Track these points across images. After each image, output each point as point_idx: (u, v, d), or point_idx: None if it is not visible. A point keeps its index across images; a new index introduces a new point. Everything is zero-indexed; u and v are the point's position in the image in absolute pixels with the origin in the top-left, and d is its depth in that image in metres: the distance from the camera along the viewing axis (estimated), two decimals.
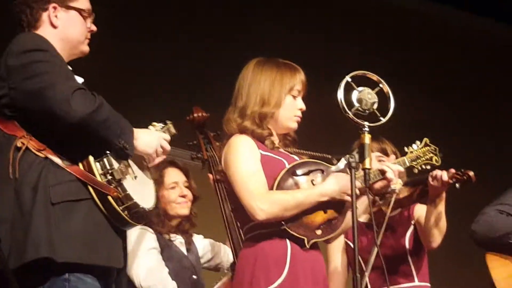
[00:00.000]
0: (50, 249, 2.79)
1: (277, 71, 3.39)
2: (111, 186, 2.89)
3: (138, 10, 6.08)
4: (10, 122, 2.93)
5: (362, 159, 3.12)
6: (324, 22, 6.84)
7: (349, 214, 3.28)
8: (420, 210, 4.12)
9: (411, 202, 4.08)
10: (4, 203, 2.87)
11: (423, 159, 3.89)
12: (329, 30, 6.83)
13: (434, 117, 6.98)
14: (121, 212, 2.91)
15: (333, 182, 3.26)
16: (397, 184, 3.67)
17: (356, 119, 3.14)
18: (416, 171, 3.86)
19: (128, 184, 2.94)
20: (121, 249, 3.00)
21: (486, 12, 7.44)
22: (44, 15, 3.07)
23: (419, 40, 7.21)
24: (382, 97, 3.19)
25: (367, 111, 3.15)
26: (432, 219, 3.97)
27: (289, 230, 3.22)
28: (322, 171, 3.32)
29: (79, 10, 3.13)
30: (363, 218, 4.12)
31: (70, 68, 3.03)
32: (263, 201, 3.19)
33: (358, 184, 3.18)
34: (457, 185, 3.91)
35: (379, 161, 4.05)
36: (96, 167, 2.90)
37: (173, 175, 4.36)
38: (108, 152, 2.91)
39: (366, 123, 3.14)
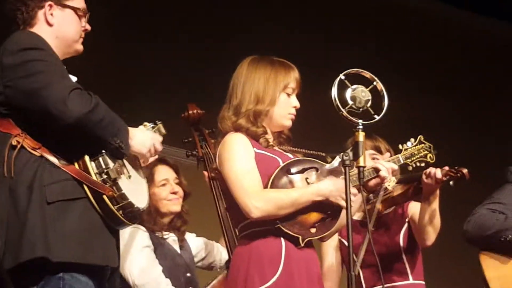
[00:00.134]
0: (46, 249, 2.79)
1: (271, 69, 3.38)
2: (106, 185, 2.90)
3: (138, 10, 6.08)
4: (5, 120, 2.93)
5: (356, 157, 3.13)
6: (324, 22, 6.83)
7: (343, 213, 3.27)
8: (414, 208, 4.10)
9: (405, 199, 4.07)
10: None
11: (418, 156, 3.86)
12: (329, 30, 6.82)
13: (434, 116, 6.97)
14: (115, 211, 2.91)
15: (330, 183, 3.26)
16: (390, 182, 3.67)
17: (350, 117, 3.14)
18: (410, 168, 3.86)
19: (123, 183, 2.95)
20: (115, 248, 3.01)
21: (487, 11, 7.43)
22: (40, 13, 3.08)
23: (419, 40, 7.20)
24: (377, 95, 3.20)
25: (361, 109, 3.15)
26: (426, 216, 3.95)
27: (284, 228, 3.22)
28: (317, 169, 3.32)
29: (75, 9, 3.13)
30: (357, 216, 4.10)
31: (65, 67, 3.03)
32: (257, 199, 3.19)
33: (354, 190, 3.19)
34: (451, 182, 3.88)
35: (373, 159, 4.04)
36: (91, 166, 2.91)
37: (163, 173, 4.31)
38: (103, 151, 2.91)
39: (360, 121, 3.15)
